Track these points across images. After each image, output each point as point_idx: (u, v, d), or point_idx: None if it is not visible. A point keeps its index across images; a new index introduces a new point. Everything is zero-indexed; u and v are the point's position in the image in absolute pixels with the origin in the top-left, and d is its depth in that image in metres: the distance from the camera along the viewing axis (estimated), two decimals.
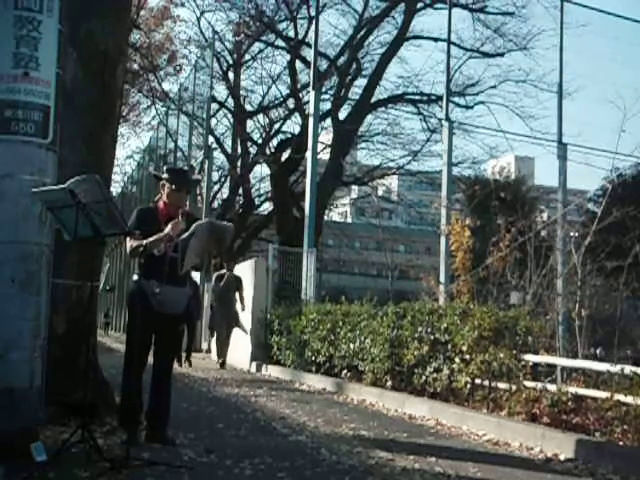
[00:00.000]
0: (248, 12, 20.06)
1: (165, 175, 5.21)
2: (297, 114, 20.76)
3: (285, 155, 20.28)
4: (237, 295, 12.99)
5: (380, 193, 25.05)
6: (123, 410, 4.94)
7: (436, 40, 18.28)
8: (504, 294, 8.32)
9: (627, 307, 7.98)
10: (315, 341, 10.11)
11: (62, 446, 4.18)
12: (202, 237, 4.87)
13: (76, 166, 5.14)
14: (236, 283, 12.99)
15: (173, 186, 5.03)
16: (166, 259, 4.79)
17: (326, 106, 18.72)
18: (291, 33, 19.90)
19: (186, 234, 4.81)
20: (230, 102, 22.79)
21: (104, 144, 5.98)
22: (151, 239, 4.73)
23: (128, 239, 4.86)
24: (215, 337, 13.17)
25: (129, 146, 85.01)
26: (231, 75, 22.53)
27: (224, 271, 13.25)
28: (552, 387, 6.14)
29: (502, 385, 6.58)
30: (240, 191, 24.30)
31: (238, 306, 13.02)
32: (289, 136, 21.42)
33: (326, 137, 20.33)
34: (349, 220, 47.07)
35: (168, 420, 5.06)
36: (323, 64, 18.41)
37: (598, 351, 7.17)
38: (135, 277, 5.02)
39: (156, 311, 4.75)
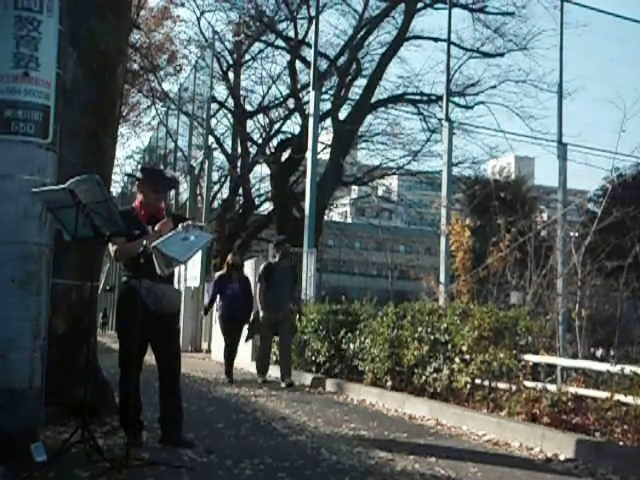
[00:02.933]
0: (248, 12, 20.08)
1: (141, 175, 5.17)
2: (297, 114, 20.77)
3: (285, 155, 20.28)
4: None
5: (380, 193, 25.05)
6: (122, 411, 4.94)
7: (436, 40, 18.31)
8: (504, 294, 8.31)
9: (627, 307, 7.98)
10: (315, 341, 10.10)
11: (62, 446, 4.18)
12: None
13: (76, 166, 5.15)
14: (292, 274, 10.02)
15: (151, 187, 4.97)
16: None
17: (326, 106, 18.74)
18: (291, 33, 19.93)
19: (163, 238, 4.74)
20: (230, 102, 22.81)
21: (104, 144, 5.98)
22: (150, 238, 4.67)
23: (111, 243, 4.77)
24: (260, 344, 10.21)
25: (129, 146, 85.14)
26: (231, 75, 22.53)
27: (275, 259, 10.17)
28: (552, 387, 6.14)
29: (502, 385, 6.58)
30: (240, 191, 24.31)
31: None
32: (289, 136, 21.43)
33: (326, 137, 20.34)
34: (349, 220, 47.09)
35: (182, 422, 5.03)
36: (323, 64, 18.43)
37: (600, 352, 7.16)
38: (124, 278, 5.00)
39: (153, 310, 4.70)
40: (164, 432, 4.97)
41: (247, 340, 10.50)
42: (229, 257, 10.89)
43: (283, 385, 9.31)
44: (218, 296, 10.61)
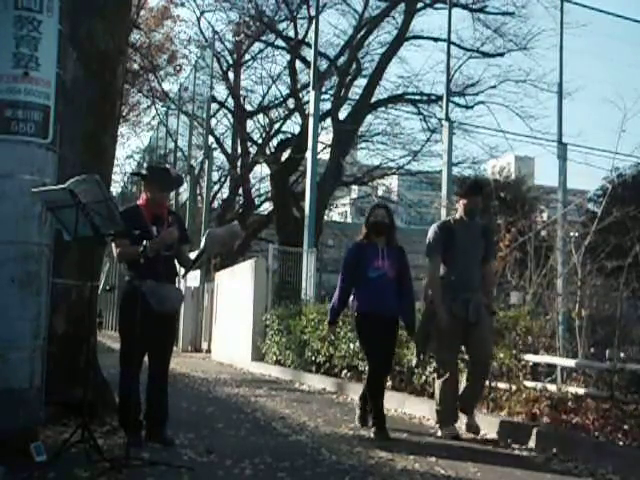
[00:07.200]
0: (248, 12, 20.09)
1: (148, 174, 5.19)
2: (297, 114, 20.77)
3: (285, 155, 20.29)
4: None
5: (380, 193, 25.08)
6: (122, 411, 4.94)
7: (436, 40, 18.33)
8: (504, 294, 8.31)
9: (627, 307, 7.96)
10: (315, 341, 10.10)
11: (62, 446, 4.18)
12: (214, 245, 5.04)
13: (76, 166, 5.16)
14: (485, 241, 5.85)
15: (158, 186, 5.01)
16: (160, 258, 4.79)
17: (326, 106, 18.76)
18: (291, 33, 19.95)
19: (198, 252, 4.95)
20: (230, 102, 22.83)
21: (104, 144, 5.98)
22: (152, 244, 4.69)
23: (114, 245, 4.83)
24: (437, 368, 6.06)
25: (129, 146, 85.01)
26: (231, 75, 22.56)
27: (456, 215, 5.92)
28: (552, 387, 6.14)
29: (502, 385, 6.57)
30: (240, 191, 24.32)
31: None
32: (289, 136, 21.44)
33: (326, 137, 20.34)
34: (349, 220, 47.01)
35: (167, 420, 5.06)
36: (323, 64, 18.44)
37: (607, 352, 7.13)
38: (128, 278, 5.00)
39: (155, 310, 4.71)
40: (149, 428, 4.97)
41: (417, 366, 7.11)
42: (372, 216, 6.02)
43: (462, 432, 5.83)
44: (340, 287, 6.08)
